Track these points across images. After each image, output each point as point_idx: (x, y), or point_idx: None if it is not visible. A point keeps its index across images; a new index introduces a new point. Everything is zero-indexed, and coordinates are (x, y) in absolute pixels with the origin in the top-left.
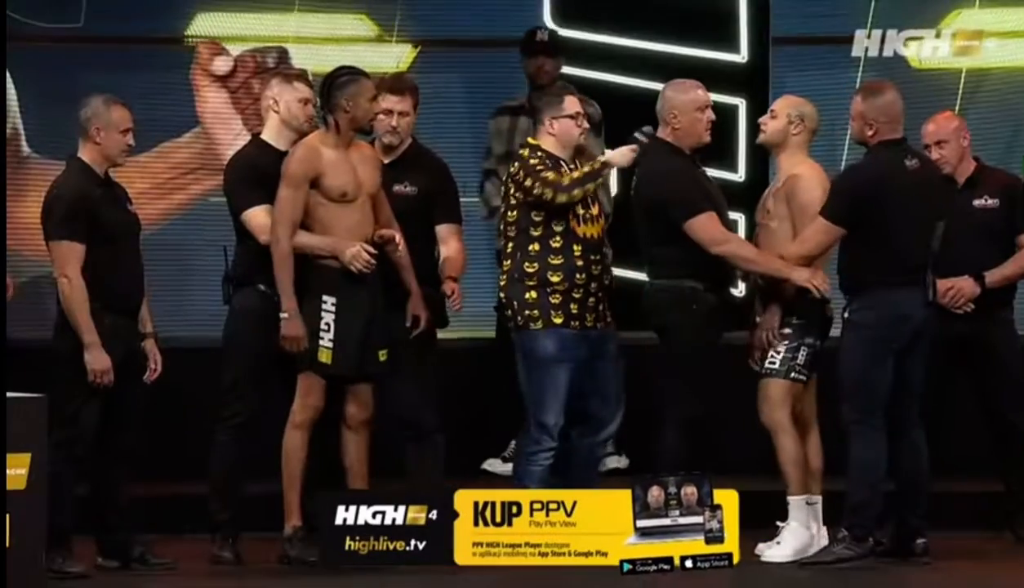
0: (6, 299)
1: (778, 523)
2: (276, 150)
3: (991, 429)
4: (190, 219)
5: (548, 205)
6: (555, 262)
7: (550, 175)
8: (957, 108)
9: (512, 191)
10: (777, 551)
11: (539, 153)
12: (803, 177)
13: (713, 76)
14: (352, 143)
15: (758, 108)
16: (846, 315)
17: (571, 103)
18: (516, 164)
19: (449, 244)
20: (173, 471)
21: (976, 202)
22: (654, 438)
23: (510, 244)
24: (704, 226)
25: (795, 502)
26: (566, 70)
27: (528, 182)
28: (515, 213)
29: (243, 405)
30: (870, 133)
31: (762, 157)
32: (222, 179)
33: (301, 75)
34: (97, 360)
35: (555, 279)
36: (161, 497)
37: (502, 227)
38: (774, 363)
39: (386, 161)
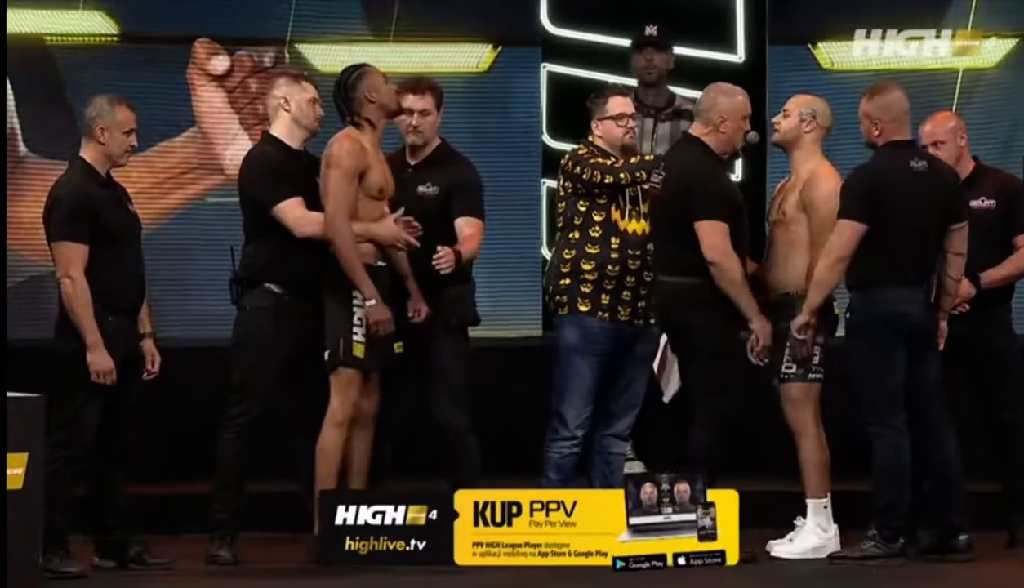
0: (5, 298)
1: (798, 519)
2: (289, 148)
3: (990, 429)
4: (187, 219)
5: (596, 186)
6: (591, 251)
7: (599, 160)
8: (954, 107)
9: (562, 182)
10: (786, 548)
11: (591, 147)
12: (820, 180)
13: (710, 76)
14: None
15: (755, 108)
16: (847, 315)
17: (615, 104)
18: (566, 157)
19: (463, 233)
20: (172, 471)
21: (973, 203)
22: (660, 439)
23: (558, 235)
24: (713, 230)
25: (814, 505)
26: (563, 70)
27: (577, 169)
28: (563, 204)
29: (251, 404)
30: (876, 133)
31: (760, 156)
32: (238, 176)
33: (307, 76)
34: (100, 360)
35: (586, 267)
36: (160, 497)
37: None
38: (791, 367)
39: (412, 163)
